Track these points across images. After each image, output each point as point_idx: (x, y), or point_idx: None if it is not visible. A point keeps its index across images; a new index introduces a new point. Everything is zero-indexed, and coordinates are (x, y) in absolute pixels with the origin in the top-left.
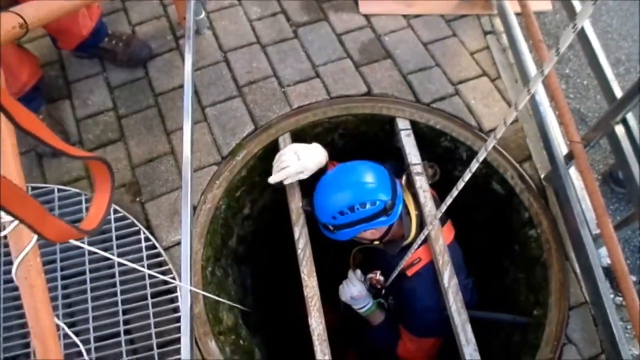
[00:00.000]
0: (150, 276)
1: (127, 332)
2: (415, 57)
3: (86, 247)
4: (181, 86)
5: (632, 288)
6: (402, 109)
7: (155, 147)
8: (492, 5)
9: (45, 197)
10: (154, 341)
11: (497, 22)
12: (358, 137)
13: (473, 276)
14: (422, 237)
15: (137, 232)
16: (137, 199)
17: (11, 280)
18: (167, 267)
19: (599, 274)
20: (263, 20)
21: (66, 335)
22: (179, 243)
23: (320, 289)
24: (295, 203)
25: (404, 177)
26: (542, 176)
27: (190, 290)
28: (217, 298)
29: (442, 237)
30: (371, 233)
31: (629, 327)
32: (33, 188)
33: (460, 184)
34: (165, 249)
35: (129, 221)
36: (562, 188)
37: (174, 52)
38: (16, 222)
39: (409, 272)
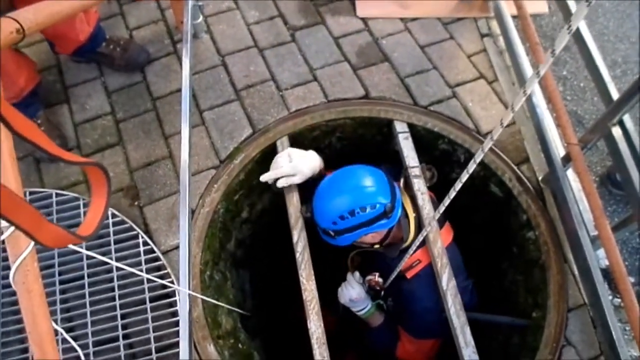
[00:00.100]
0: (149, 280)
1: (125, 336)
2: (413, 60)
3: (84, 251)
4: (179, 90)
5: (631, 289)
6: (400, 111)
7: (153, 151)
8: (488, 7)
9: (43, 201)
10: (153, 345)
11: (494, 24)
12: (356, 140)
13: (472, 278)
14: (420, 238)
15: (136, 237)
16: (135, 203)
17: (9, 285)
18: (165, 271)
19: (597, 276)
20: (261, 24)
21: (64, 340)
22: (177, 247)
23: (319, 292)
24: (294, 206)
25: (401, 180)
26: (539, 178)
27: (189, 295)
28: (215, 302)
29: (440, 239)
30: (372, 237)
31: (627, 328)
32: (31, 193)
33: (458, 185)
34: (164, 253)
35: (127, 225)
36: (559, 190)
37: (172, 56)
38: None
39: (409, 274)
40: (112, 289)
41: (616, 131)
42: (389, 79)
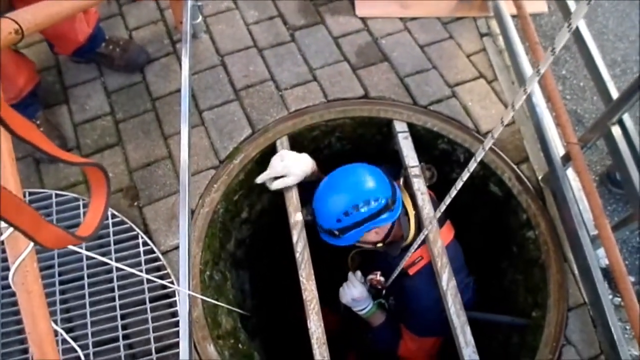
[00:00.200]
0: (149, 281)
1: (125, 337)
2: (412, 60)
3: (84, 252)
4: (178, 90)
5: (631, 289)
6: (400, 111)
7: (152, 152)
8: (488, 7)
9: (43, 202)
10: (153, 346)
11: (494, 24)
12: (355, 140)
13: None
14: (421, 237)
15: (135, 237)
16: (135, 204)
17: (9, 286)
18: (165, 272)
19: (597, 275)
20: (260, 24)
21: (64, 341)
22: (177, 247)
23: (319, 292)
24: (293, 206)
25: (401, 179)
26: (539, 178)
27: (189, 295)
28: (215, 302)
29: (440, 239)
30: (375, 233)
31: (627, 327)
32: (31, 193)
33: (459, 184)
34: (164, 253)
35: (126, 226)
36: (559, 189)
37: (171, 57)
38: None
39: (411, 271)
40: (112, 290)
41: (616, 130)
42: (389, 78)
